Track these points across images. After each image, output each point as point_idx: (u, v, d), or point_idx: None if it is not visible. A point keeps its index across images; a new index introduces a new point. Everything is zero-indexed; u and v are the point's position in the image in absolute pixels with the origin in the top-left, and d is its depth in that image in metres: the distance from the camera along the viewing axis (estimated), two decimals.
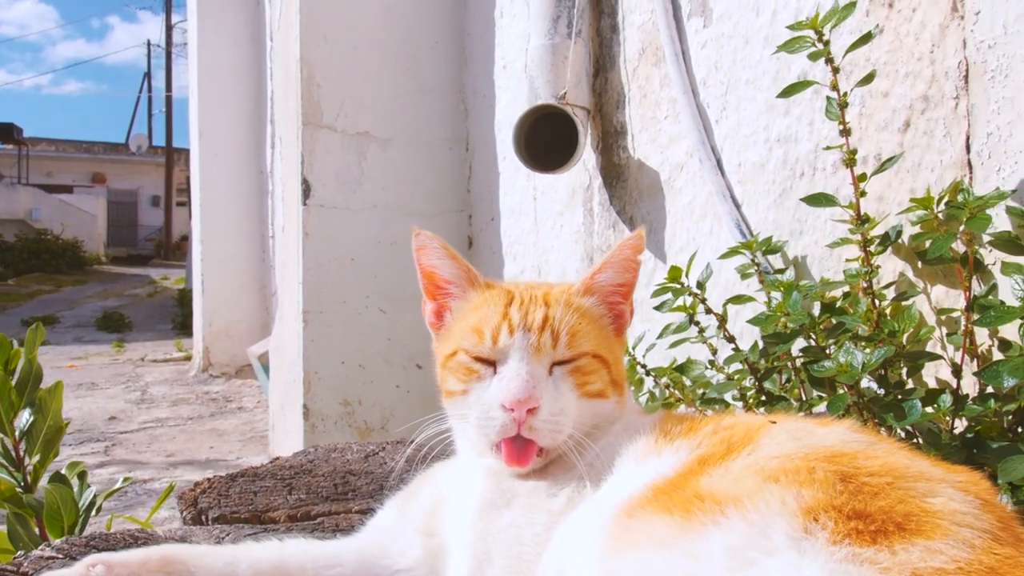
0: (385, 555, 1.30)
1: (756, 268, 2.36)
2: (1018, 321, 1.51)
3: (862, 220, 1.84)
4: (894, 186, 2.07)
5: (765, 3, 2.46)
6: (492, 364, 1.30)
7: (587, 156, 3.34)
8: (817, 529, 0.88)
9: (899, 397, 1.70)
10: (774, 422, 1.11)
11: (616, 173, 3.21)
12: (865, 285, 1.80)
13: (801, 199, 2.04)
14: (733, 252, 2.39)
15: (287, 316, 4.72)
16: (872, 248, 1.81)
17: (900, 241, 2.03)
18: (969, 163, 1.90)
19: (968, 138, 1.90)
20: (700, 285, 2.16)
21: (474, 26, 4.38)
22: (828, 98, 1.92)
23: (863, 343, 1.67)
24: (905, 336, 1.85)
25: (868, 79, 1.87)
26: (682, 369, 2.39)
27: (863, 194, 1.88)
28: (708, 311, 2.13)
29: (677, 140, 2.87)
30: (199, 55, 9.76)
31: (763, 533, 0.90)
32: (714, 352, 2.37)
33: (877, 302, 1.79)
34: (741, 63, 2.56)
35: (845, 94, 1.88)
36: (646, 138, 3.02)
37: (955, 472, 1.04)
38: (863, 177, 1.87)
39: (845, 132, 1.87)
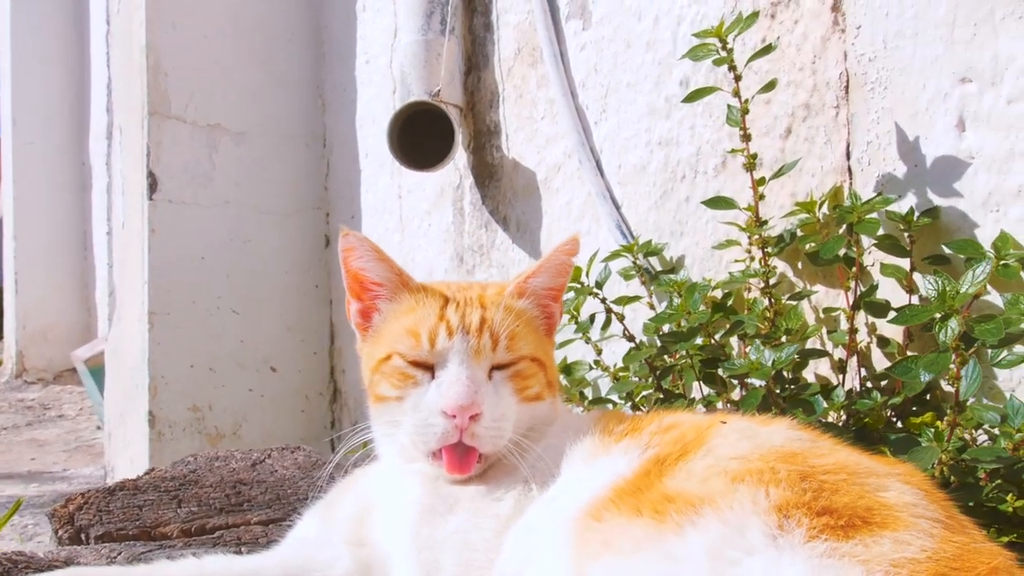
0: (312, 568, 1.23)
1: (638, 269, 2.41)
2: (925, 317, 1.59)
3: (760, 222, 1.90)
4: (775, 190, 2.15)
5: (647, 9, 2.50)
6: (430, 368, 1.26)
7: (458, 155, 3.31)
8: (791, 526, 0.90)
9: (794, 392, 1.77)
10: (724, 421, 1.12)
11: (489, 172, 3.19)
12: (762, 285, 1.86)
13: (702, 202, 2.09)
14: (616, 255, 2.43)
15: (128, 317, 4.44)
16: (769, 249, 1.88)
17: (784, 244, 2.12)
18: (849, 169, 2.01)
19: (848, 145, 2.01)
20: (599, 285, 2.19)
21: (333, 18, 4.26)
22: (729, 106, 1.98)
23: (756, 341, 1.73)
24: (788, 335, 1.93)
25: (769, 87, 1.95)
26: (568, 370, 2.40)
27: (762, 197, 1.95)
28: (608, 311, 2.15)
29: (555, 141, 2.88)
30: (12, 38, 9.05)
31: (739, 532, 0.90)
32: (599, 352, 2.40)
33: (772, 301, 1.85)
34: (622, 67, 2.61)
35: (747, 101, 1.94)
36: (522, 138, 3.03)
37: (894, 465, 1.08)
38: (762, 181, 1.94)
39: (746, 137, 1.94)
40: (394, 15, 3.74)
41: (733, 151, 2.00)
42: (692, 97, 2.00)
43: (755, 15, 1.91)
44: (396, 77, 3.36)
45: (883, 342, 1.91)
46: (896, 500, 0.96)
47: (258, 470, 1.92)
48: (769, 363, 1.60)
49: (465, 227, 3.33)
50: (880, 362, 1.95)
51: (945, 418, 1.44)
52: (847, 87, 2.00)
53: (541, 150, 2.95)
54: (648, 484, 1.02)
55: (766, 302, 1.87)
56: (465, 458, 1.22)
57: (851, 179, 2.00)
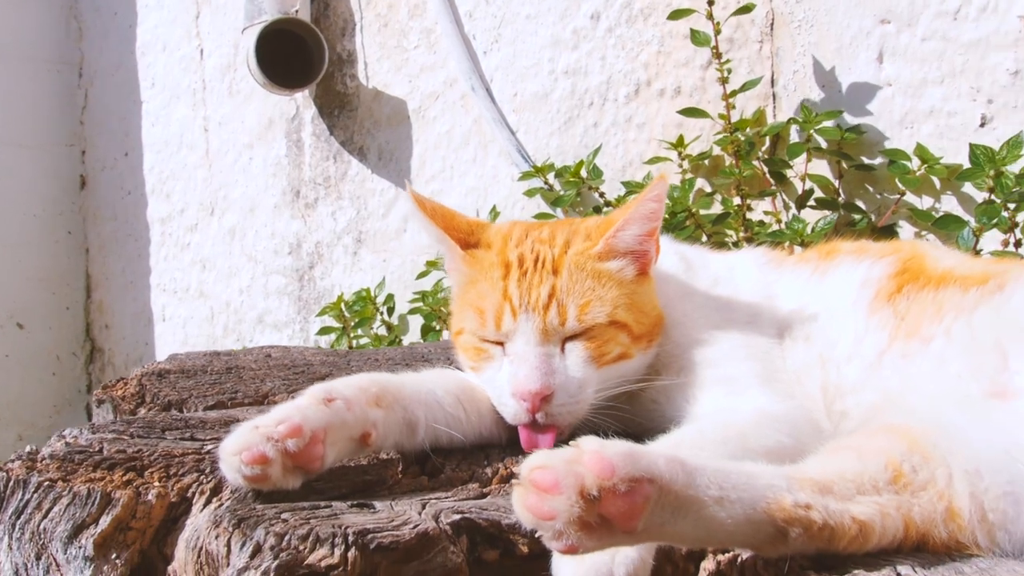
0: None
1: (548, 188, 2.58)
2: None
3: (733, 129, 2.17)
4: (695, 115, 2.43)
5: None
6: (500, 343, 1.22)
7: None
8: None
9: None
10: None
11: (341, 102, 3.13)
12: (737, 185, 2.14)
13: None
14: (529, 175, 2.59)
15: None
16: (741, 156, 2.15)
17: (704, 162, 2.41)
18: (774, 95, 2.34)
19: (773, 75, 2.34)
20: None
21: None
22: (692, 30, 2.23)
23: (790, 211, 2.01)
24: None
25: (745, 9, 2.21)
26: None
27: (733, 107, 2.22)
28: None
29: (432, 70, 2.93)
30: None
31: None
32: None
33: (743, 199, 2.14)
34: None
35: (719, 23, 2.20)
36: (388, 67, 3.02)
37: None
38: (733, 93, 2.21)
39: (717, 55, 2.19)
40: None
41: (720, 66, 2.23)
42: (676, 15, 2.23)
43: None
44: None
45: None
46: None
47: (279, 359, 1.77)
48: (809, 230, 1.87)
49: (305, 159, 3.23)
50: None
51: None
52: (772, 24, 2.34)
53: (414, 79, 2.97)
54: (921, 275, 1.22)
55: (738, 200, 2.15)
56: (542, 437, 1.18)
57: (775, 103, 2.34)
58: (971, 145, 1.91)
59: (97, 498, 1.00)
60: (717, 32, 2.22)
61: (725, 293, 1.37)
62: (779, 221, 2.26)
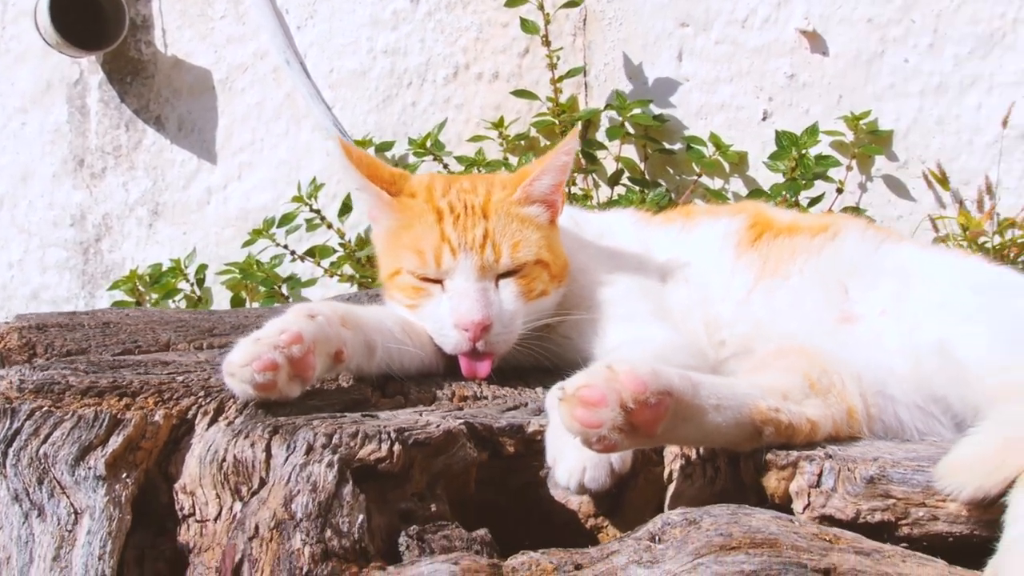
0: None
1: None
2: None
3: (561, 111, 2.38)
4: (512, 99, 2.62)
5: None
6: (439, 281, 1.35)
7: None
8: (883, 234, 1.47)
9: None
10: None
11: (134, 69, 3.00)
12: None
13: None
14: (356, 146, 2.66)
15: None
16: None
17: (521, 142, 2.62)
18: (586, 84, 2.59)
19: (586, 65, 2.59)
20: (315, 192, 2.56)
21: None
22: (522, 19, 2.42)
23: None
24: None
25: (573, 4, 2.42)
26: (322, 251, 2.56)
27: (560, 91, 2.43)
28: None
29: (240, 41, 2.90)
30: None
31: (863, 235, 1.44)
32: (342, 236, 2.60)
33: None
34: None
35: (548, 14, 2.40)
36: (190, 35, 2.94)
37: None
38: (560, 79, 2.42)
39: (547, 42, 2.39)
40: None
41: (550, 53, 2.42)
42: (512, 3, 2.41)
43: None
44: None
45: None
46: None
47: (141, 318, 1.70)
48: (647, 201, 2.11)
49: (91, 127, 3.05)
50: None
51: None
52: (585, 20, 2.58)
53: (220, 49, 2.92)
54: (772, 226, 1.47)
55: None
56: (480, 364, 1.31)
57: (587, 92, 2.59)
58: (777, 132, 2.26)
59: (105, 420, 1.00)
60: (547, 22, 2.43)
61: (611, 245, 1.57)
62: (590, 197, 2.51)
